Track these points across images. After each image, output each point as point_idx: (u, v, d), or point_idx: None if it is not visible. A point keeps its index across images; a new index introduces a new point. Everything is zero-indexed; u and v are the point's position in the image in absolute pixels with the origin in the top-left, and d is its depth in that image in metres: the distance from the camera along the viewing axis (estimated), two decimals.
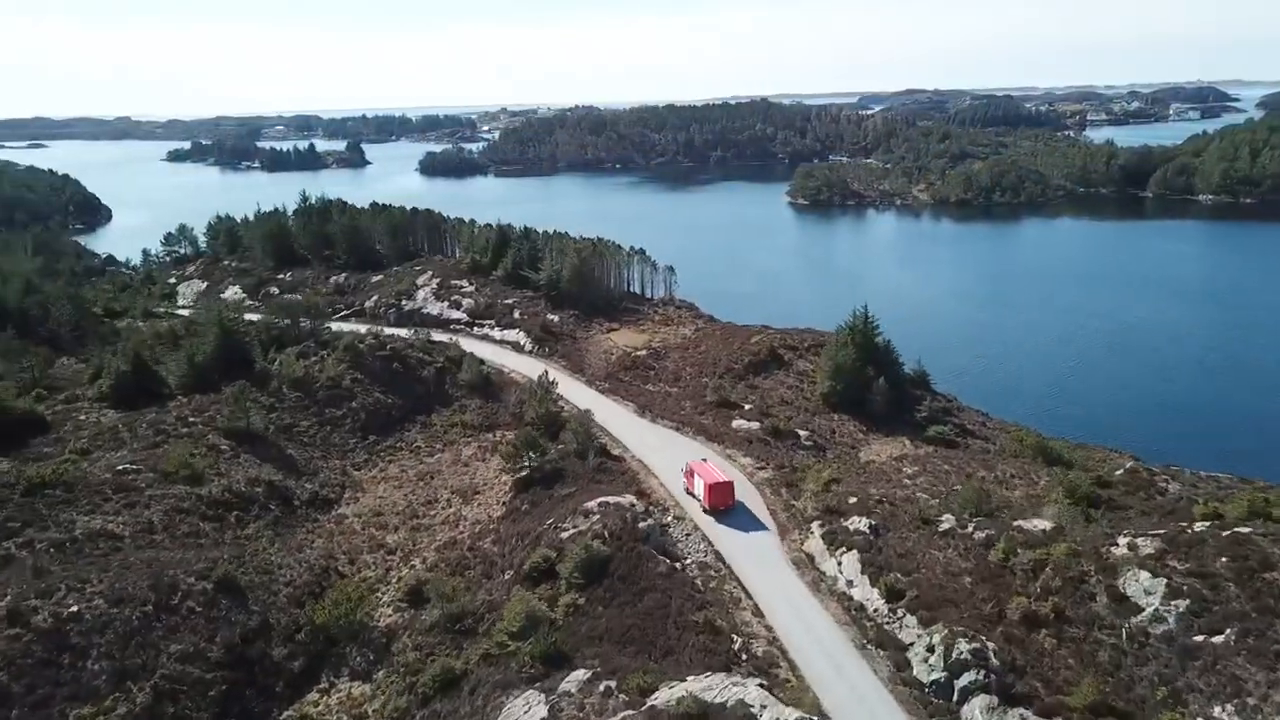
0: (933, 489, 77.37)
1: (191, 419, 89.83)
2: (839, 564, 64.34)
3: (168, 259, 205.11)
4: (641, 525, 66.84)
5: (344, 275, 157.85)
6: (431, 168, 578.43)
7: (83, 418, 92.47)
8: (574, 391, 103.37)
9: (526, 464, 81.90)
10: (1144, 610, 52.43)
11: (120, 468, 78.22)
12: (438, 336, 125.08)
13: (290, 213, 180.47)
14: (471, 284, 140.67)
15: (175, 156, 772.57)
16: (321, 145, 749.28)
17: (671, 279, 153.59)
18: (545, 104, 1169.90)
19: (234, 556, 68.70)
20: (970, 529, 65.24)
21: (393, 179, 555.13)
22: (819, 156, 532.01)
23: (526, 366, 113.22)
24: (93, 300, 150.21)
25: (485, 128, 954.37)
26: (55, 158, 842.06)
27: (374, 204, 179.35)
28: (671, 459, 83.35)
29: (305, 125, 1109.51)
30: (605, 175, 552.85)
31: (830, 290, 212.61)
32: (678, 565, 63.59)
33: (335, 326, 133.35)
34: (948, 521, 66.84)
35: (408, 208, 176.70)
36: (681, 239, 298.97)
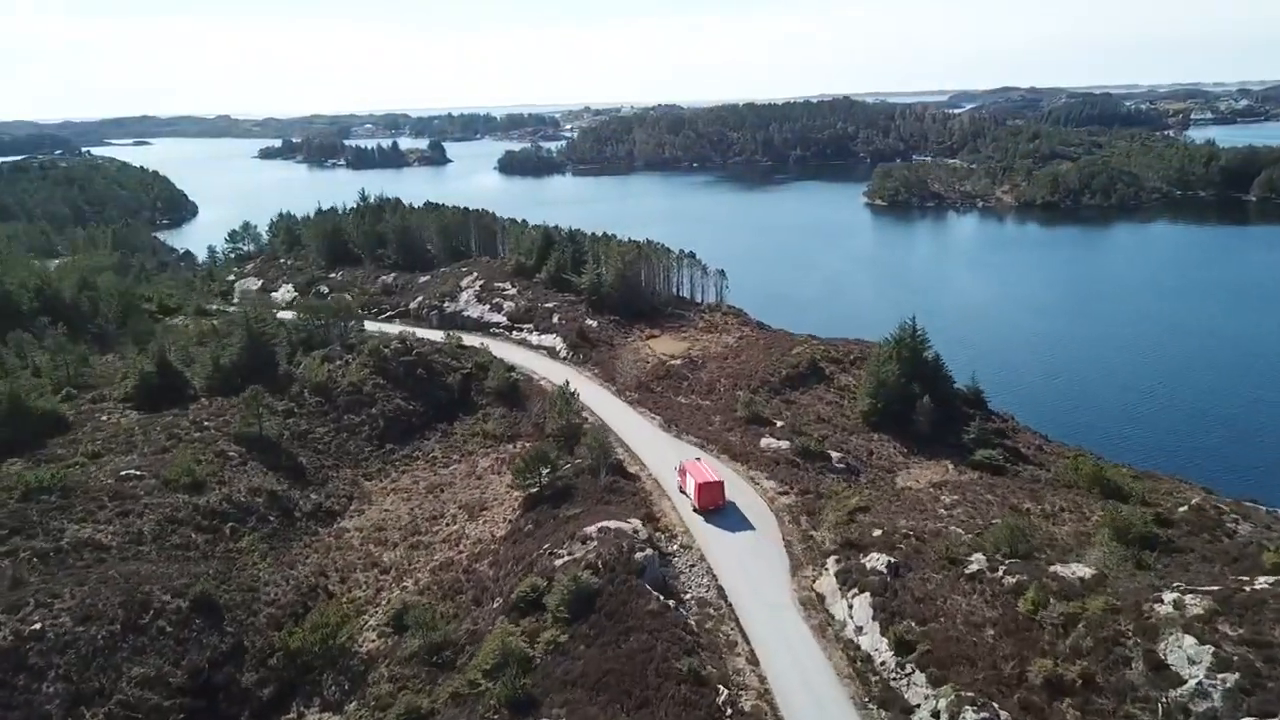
0: (970, 522, 70.78)
1: (206, 423, 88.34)
2: (850, 606, 58.63)
3: (232, 255, 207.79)
4: (638, 556, 62.00)
5: (393, 275, 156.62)
6: (510, 166, 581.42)
7: (104, 418, 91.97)
8: (601, 401, 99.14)
9: (536, 481, 77.90)
10: (1186, 683, 45.54)
11: (124, 473, 76.80)
12: (475, 340, 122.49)
13: (345, 211, 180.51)
14: (514, 287, 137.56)
15: (266, 154, 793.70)
16: (406, 143, 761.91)
17: (723, 283, 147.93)
18: (629, 102, 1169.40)
19: (219, 572, 66.40)
20: (1000, 572, 58.75)
21: (471, 177, 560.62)
22: (902, 156, 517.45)
23: (558, 373, 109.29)
24: (148, 297, 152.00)
25: (568, 126, 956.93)
26: (156, 154, 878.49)
27: (427, 203, 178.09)
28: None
29: (393, 124, 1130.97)
30: (682, 174, 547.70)
31: (898, 297, 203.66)
32: (671, 603, 58.54)
33: (377, 327, 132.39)
34: (977, 562, 60.40)
35: (462, 207, 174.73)
36: (750, 240, 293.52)
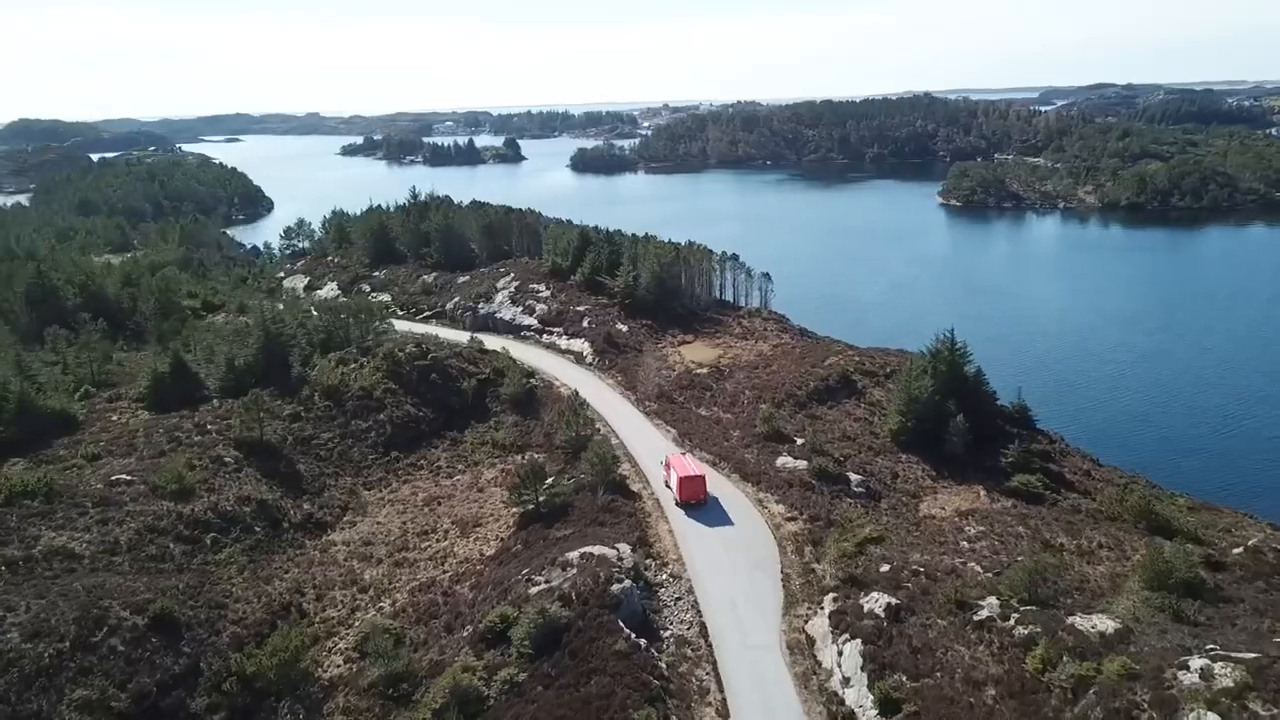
0: (992, 558, 64.51)
1: (210, 426, 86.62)
2: (839, 653, 53.14)
3: (288, 252, 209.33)
4: (615, 588, 57.44)
5: (434, 275, 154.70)
6: (581, 164, 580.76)
7: (114, 418, 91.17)
8: (618, 412, 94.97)
9: (531, 498, 73.93)
10: None
11: (114, 478, 75.27)
12: (499, 343, 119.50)
13: (393, 209, 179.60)
14: (548, 289, 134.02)
15: (348, 151, 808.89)
16: (483, 141, 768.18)
17: (767, 287, 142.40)
18: (708, 100, 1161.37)
19: (190, 586, 63.99)
20: (1012, 621, 52.69)
21: (543, 175, 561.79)
22: (983, 155, 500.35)
23: (580, 380, 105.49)
24: (194, 293, 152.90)
25: (645, 124, 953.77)
26: (246, 151, 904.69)
27: (474, 202, 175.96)
28: (698, 503, 73.91)
29: (474, 121, 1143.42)
30: (755, 172, 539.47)
31: (965, 303, 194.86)
32: (643, 642, 53.76)
33: (408, 327, 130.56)
34: (988, 608, 54.35)
35: (504, 206, 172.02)
36: (814, 240, 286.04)
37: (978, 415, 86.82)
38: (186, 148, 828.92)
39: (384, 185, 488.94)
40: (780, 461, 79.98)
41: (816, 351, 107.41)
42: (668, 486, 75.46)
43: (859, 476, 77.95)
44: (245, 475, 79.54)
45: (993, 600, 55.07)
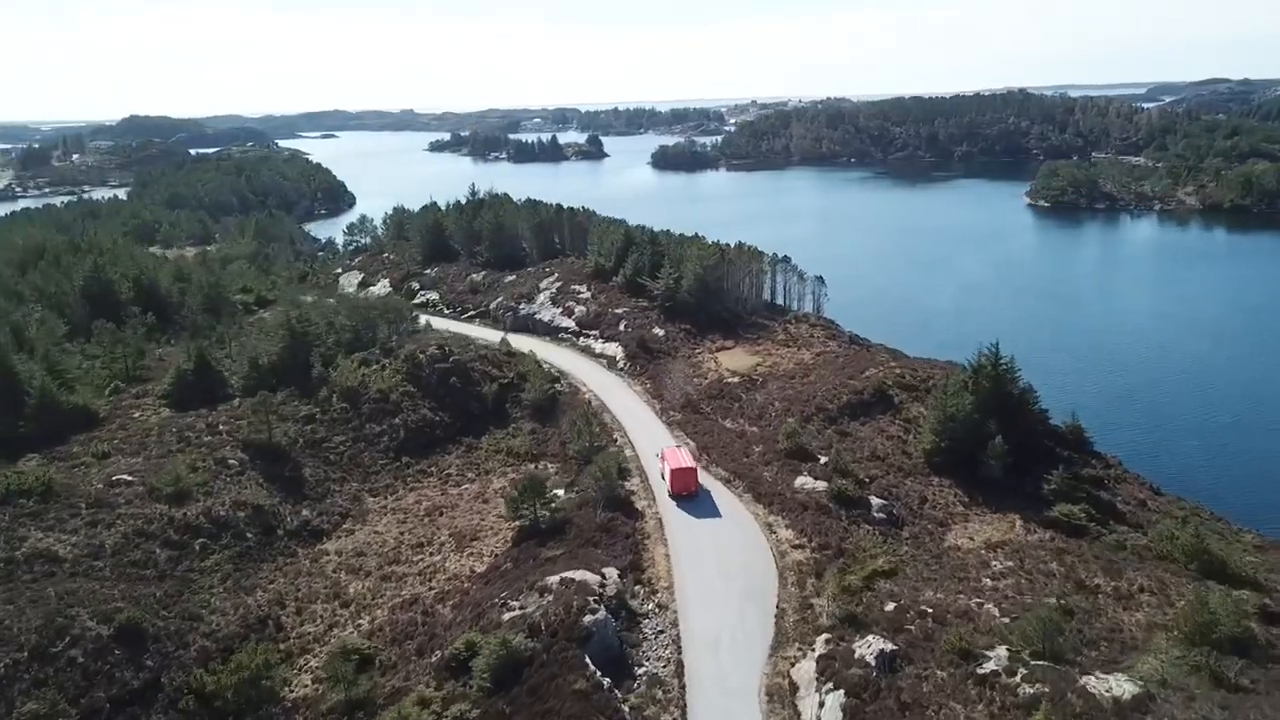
0: (1015, 599, 58.53)
1: (222, 426, 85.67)
2: (820, 705, 48.22)
3: (351, 248, 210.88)
4: (587, 619, 53.48)
5: (482, 274, 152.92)
6: (662, 161, 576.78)
7: (136, 415, 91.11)
8: (640, 421, 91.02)
9: (529, 513, 70.51)
10: None
11: (116, 478, 74.59)
12: (537, 345, 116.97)
13: (448, 206, 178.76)
14: (589, 290, 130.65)
15: (436, 147, 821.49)
16: (566, 138, 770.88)
17: (821, 291, 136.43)
18: (796, 96, 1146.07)
19: (168, 594, 62.54)
20: (1019, 677, 47.10)
21: (623, 172, 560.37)
22: (1079, 153, 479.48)
23: (608, 386, 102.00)
24: (248, 288, 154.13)
25: (732, 121, 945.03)
26: (339, 147, 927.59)
27: (528, 200, 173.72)
28: (701, 521, 69.65)
29: (561, 119, 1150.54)
30: (839, 170, 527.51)
31: (1040, 311, 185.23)
32: (606, 681, 49.63)
33: (451, 327, 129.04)
34: (995, 660, 48.81)
35: (555, 204, 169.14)
36: (891, 241, 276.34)
37: (1023, 436, 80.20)
38: (283, 143, 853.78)
39: (464, 181, 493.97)
40: (799, 481, 74.87)
41: (859, 361, 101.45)
42: (662, 479, 75.61)
43: (881, 501, 72.36)
44: (247, 479, 78.13)
45: (1001, 651, 49.50)
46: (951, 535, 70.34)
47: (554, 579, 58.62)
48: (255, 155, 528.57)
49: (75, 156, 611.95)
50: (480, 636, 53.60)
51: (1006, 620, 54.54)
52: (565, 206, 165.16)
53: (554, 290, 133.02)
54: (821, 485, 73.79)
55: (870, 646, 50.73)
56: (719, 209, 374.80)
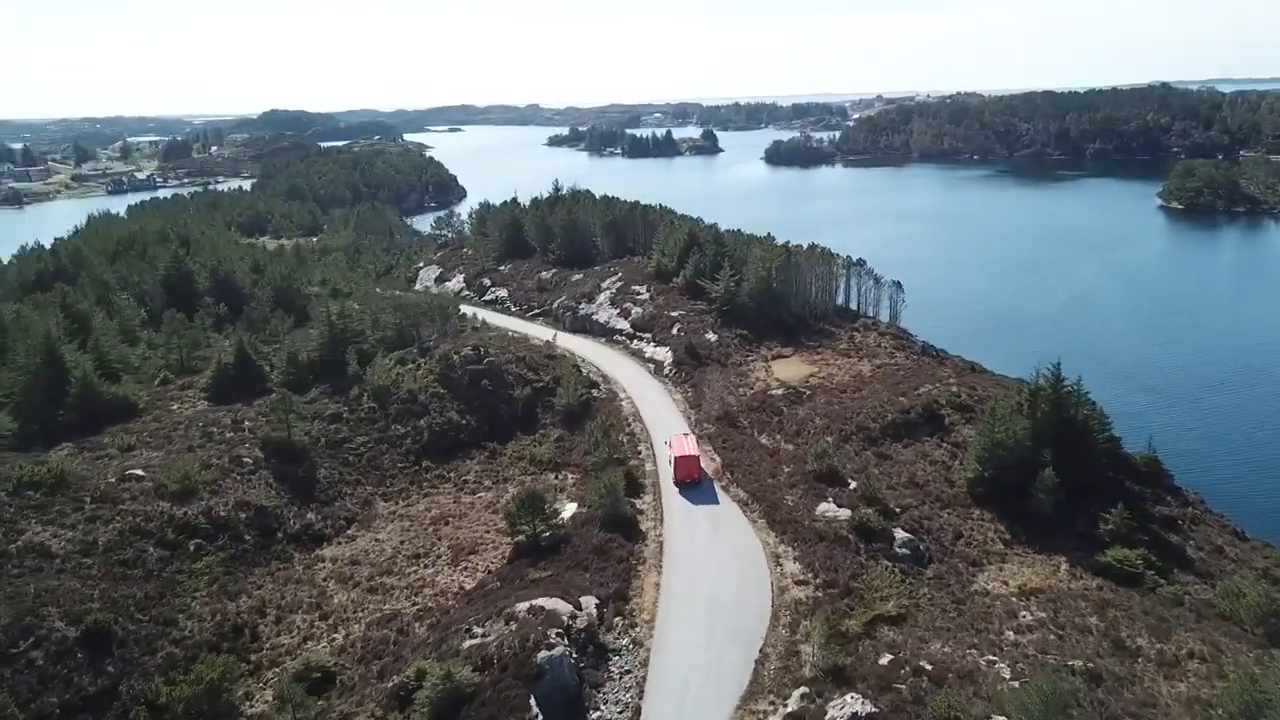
0: (1037, 658, 51.67)
1: (246, 422, 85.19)
2: None
3: (440, 242, 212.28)
4: (541, 655, 49.44)
5: (552, 271, 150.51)
6: (776, 156, 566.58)
7: (174, 408, 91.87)
8: (672, 432, 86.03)
9: (529, 529, 66.95)
10: None
11: (129, 473, 74.63)
12: (590, 346, 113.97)
13: (529, 202, 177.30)
14: (649, 291, 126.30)
15: (554, 142, 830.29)
16: (681, 133, 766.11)
17: (899, 297, 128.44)
18: (924, 91, 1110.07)
19: (149, 596, 61.55)
20: None
21: (734, 168, 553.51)
22: (1225, 152, 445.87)
23: (648, 393, 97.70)
24: (325, 280, 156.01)
25: (855, 115, 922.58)
26: (462, 141, 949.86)
27: (605, 196, 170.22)
28: (704, 548, 64.80)
29: (681, 113, 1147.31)
30: (961, 167, 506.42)
31: (1156, 325, 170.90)
32: None
33: (513, 325, 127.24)
34: None
35: (631, 201, 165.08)
36: (999, 242, 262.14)
37: (1084, 467, 72.13)
38: (410, 137, 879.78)
39: (575, 176, 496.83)
40: (821, 508, 68.95)
41: (919, 376, 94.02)
42: (670, 465, 76.56)
43: (906, 534, 65.74)
44: (257, 478, 77.15)
45: None
46: (983, 577, 63.24)
47: (523, 606, 54.88)
48: (371, 149, 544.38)
49: (213, 149, 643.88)
50: (434, 666, 50.33)
51: (1015, 685, 47.98)
52: (640, 203, 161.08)
53: (614, 290, 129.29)
54: (845, 513, 67.74)
55: (845, 708, 45.19)
56: (826, 206, 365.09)
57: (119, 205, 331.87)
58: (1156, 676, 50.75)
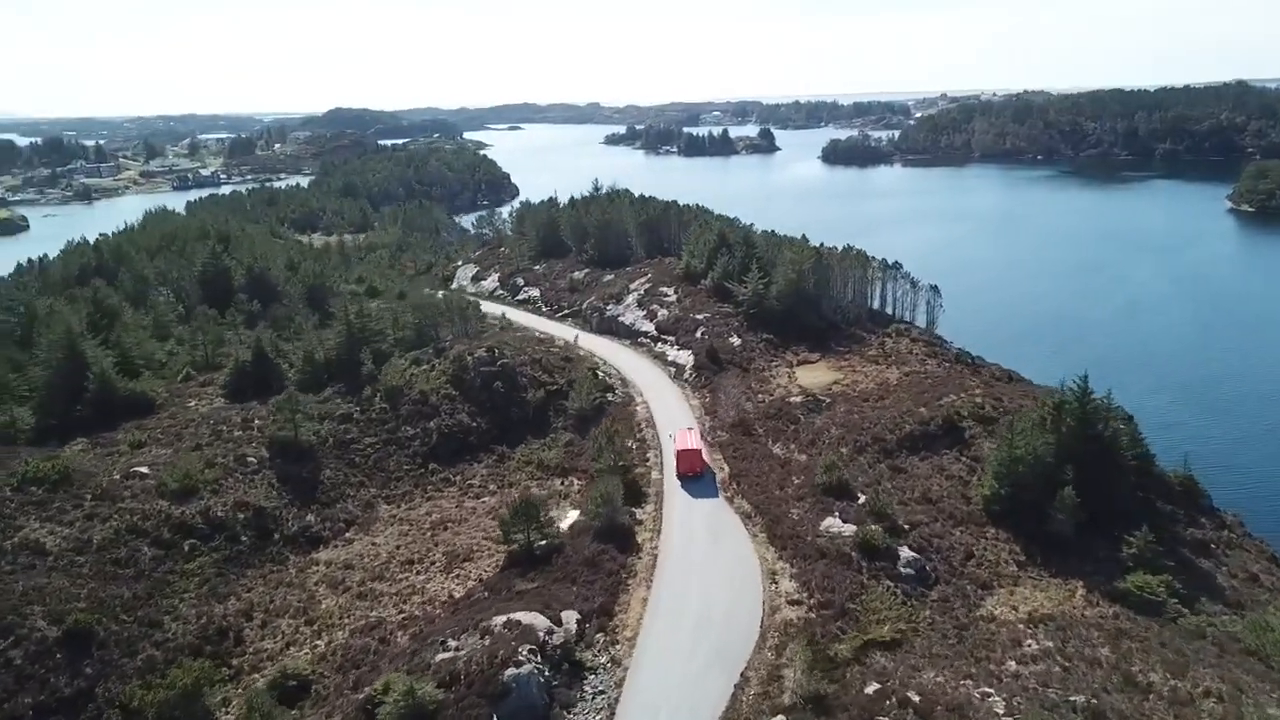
0: (1035, 693, 48.40)
1: (256, 421, 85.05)
2: None
3: (481, 240, 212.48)
4: (508, 673, 47.70)
5: (584, 271, 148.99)
6: (833, 155, 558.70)
7: (191, 404, 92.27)
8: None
9: (522, 538, 65.32)
10: None
11: (133, 470, 74.79)
12: (613, 348, 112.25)
13: (566, 201, 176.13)
14: (676, 293, 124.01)
15: (611, 140, 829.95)
16: (741, 132, 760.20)
17: (936, 302, 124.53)
18: (989, 89, 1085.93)
19: (137, 596, 61.26)
20: None
21: (791, 166, 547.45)
22: None
23: (666, 398, 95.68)
24: (361, 278, 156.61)
25: (918, 114, 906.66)
26: (521, 139, 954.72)
27: (640, 196, 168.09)
28: (699, 563, 62.61)
29: (741, 112, 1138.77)
30: (1024, 167, 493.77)
31: (1215, 334, 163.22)
32: None
33: (540, 325, 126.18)
34: None
35: (666, 200, 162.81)
36: (1060, 245, 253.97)
37: (1110, 485, 68.28)
38: (470, 135, 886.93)
39: (628, 174, 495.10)
40: (825, 523, 66.15)
41: (946, 385, 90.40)
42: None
43: (912, 554, 62.66)
44: (260, 478, 76.74)
45: None
46: (991, 601, 59.95)
47: (500, 620, 53.25)
48: (426, 147, 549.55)
49: (276, 146, 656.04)
50: (402, 679, 48.92)
51: None
52: (675, 203, 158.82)
53: (642, 292, 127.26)
54: (850, 529, 64.88)
55: None
56: (882, 206, 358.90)
57: (181, 201, 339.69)
58: (1167, 716, 47.23)
